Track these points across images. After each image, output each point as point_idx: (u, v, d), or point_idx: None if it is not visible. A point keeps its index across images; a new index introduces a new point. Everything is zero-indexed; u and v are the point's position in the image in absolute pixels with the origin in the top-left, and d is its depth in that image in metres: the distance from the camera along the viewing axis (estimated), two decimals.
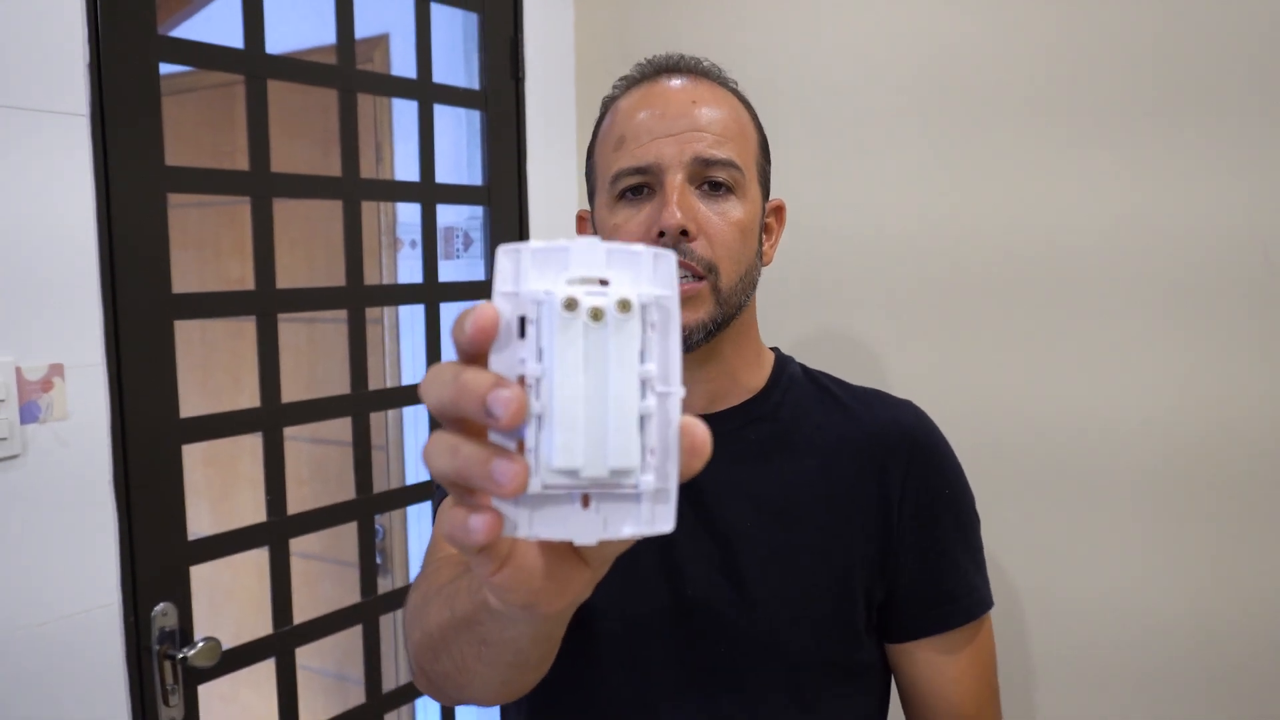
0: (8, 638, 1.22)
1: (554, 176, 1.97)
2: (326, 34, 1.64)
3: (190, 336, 1.39)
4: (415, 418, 2.08)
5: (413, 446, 2.09)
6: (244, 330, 2.23)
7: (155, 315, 1.35)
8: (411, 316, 2.09)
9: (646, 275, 0.42)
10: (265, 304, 1.51)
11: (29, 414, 1.23)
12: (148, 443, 1.35)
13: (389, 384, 2.13)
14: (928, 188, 1.59)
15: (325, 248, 2.13)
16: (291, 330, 1.52)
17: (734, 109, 0.96)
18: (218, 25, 2.23)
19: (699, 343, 0.91)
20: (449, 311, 1.85)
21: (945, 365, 1.58)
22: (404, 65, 2.05)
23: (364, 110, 1.64)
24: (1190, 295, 1.40)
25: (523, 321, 0.41)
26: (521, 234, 1.92)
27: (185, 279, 1.39)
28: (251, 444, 2.29)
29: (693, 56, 1.00)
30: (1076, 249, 1.47)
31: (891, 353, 1.63)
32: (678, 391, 0.41)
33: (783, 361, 1.04)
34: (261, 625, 1.55)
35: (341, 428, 1.68)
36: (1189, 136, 1.38)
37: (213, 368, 2.32)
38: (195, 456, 1.45)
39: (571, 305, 0.40)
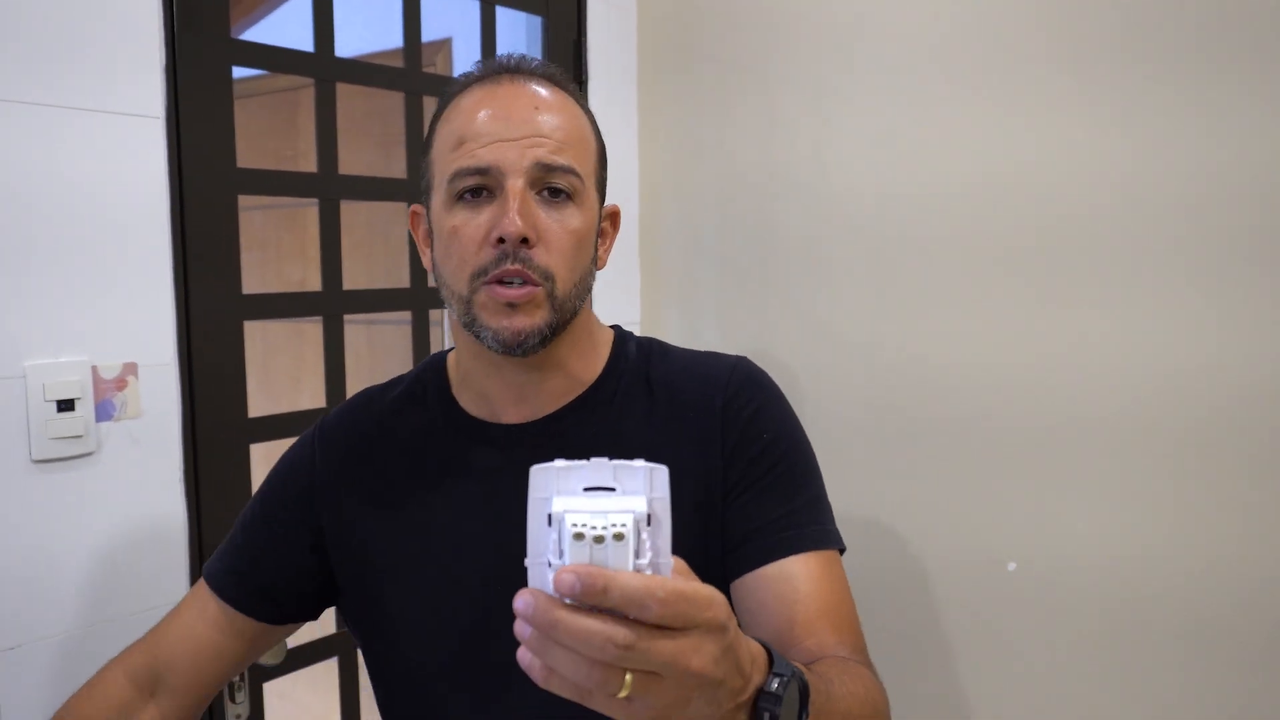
0: (83, 634, 1.24)
1: (615, 179, 1.96)
2: (390, 38, 1.66)
3: (252, 339, 1.40)
4: None
5: None
6: (304, 332, 2.25)
7: (226, 315, 1.36)
8: None
9: (644, 483, 0.56)
10: (332, 305, 1.52)
11: (104, 412, 1.25)
12: (218, 441, 1.36)
13: None
14: (930, 148, 1.56)
15: (385, 251, 2.14)
16: (351, 332, 1.53)
17: (575, 116, 0.96)
18: (280, 30, 2.26)
19: (534, 348, 0.91)
20: None
21: (955, 329, 1.55)
22: (465, 68, 2.06)
23: (427, 114, 1.65)
24: (1207, 253, 1.37)
25: (550, 517, 0.55)
26: None
27: (247, 279, 1.40)
28: None
29: (538, 59, 1.00)
30: (1093, 208, 1.45)
31: (908, 315, 1.61)
32: (668, 562, 0.56)
33: (620, 345, 1.04)
34: (326, 624, 1.56)
35: None
36: (1183, 89, 1.35)
37: (273, 370, 2.35)
38: (257, 457, 1.46)
39: (580, 537, 0.53)
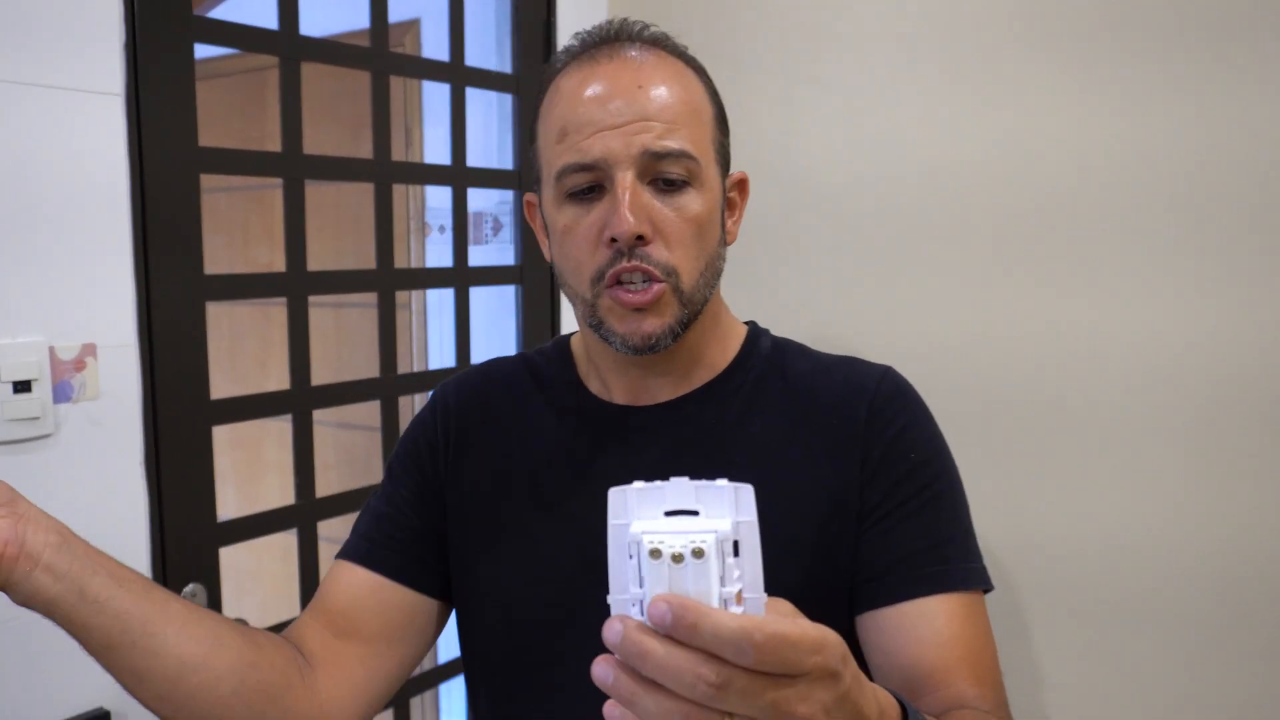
0: (40, 618, 1.22)
1: None
2: (358, 18, 1.64)
3: (217, 321, 1.38)
4: None
5: None
6: (271, 316, 2.23)
7: (188, 296, 1.35)
8: (439, 303, 2.08)
9: (729, 504, 0.52)
10: (296, 286, 1.50)
11: (62, 393, 1.23)
12: (179, 424, 1.34)
13: (416, 370, 2.13)
14: (933, 126, 1.56)
15: (353, 232, 2.12)
16: (318, 316, 1.51)
17: (685, 85, 0.88)
18: (249, 10, 2.23)
19: (665, 347, 0.87)
20: (479, 296, 1.84)
21: (959, 306, 1.56)
22: (434, 49, 2.04)
23: (393, 94, 1.64)
24: (1208, 232, 1.38)
25: (629, 545, 0.51)
26: None
27: (214, 263, 1.38)
28: (278, 429, 2.30)
29: (639, 22, 0.92)
30: (1089, 190, 1.45)
31: (902, 295, 1.61)
32: (761, 598, 0.51)
33: (754, 338, 0.99)
34: (288, 608, 1.55)
35: (368, 413, 1.68)
36: (1190, 62, 1.36)
37: (239, 353, 2.32)
38: (221, 441, 1.45)
39: (656, 554, 0.49)
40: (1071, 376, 1.48)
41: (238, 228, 2.36)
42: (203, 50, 1.35)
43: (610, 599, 0.52)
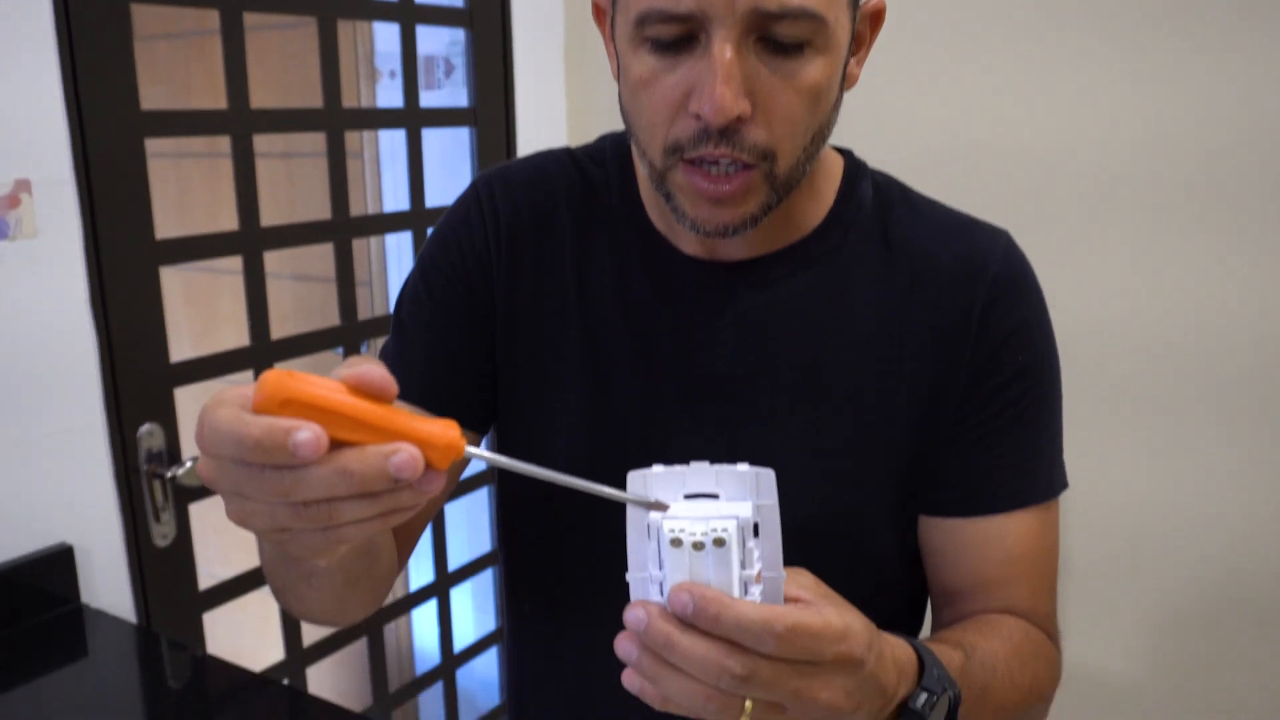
0: None
1: (544, 122, 1.90)
2: None
3: (162, 171, 1.34)
4: (398, 249, 2.05)
5: (395, 279, 2.06)
6: (219, 167, 2.17)
7: (125, 133, 1.30)
8: (392, 150, 2.03)
9: (749, 488, 0.51)
10: (240, 124, 1.46)
11: None
12: (123, 264, 1.32)
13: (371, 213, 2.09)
14: (956, 102, 1.52)
15: (301, 80, 2.05)
16: (267, 167, 1.47)
17: None
18: None
19: (746, 233, 0.73)
20: (432, 138, 1.80)
21: None
22: None
23: (344, 38, 1.58)
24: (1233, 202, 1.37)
25: (649, 527, 0.51)
26: (505, 57, 1.85)
27: (152, 101, 1.33)
28: (232, 284, 2.26)
29: None
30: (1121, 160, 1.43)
31: None
32: (780, 576, 0.51)
33: (851, 180, 0.81)
34: None
35: (324, 263, 1.65)
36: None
37: (187, 204, 2.27)
38: (174, 293, 1.42)
39: (677, 543, 0.49)
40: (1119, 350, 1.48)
41: (179, 76, 2.28)
42: None
43: (629, 576, 0.52)
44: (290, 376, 0.45)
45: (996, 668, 0.69)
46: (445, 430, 0.47)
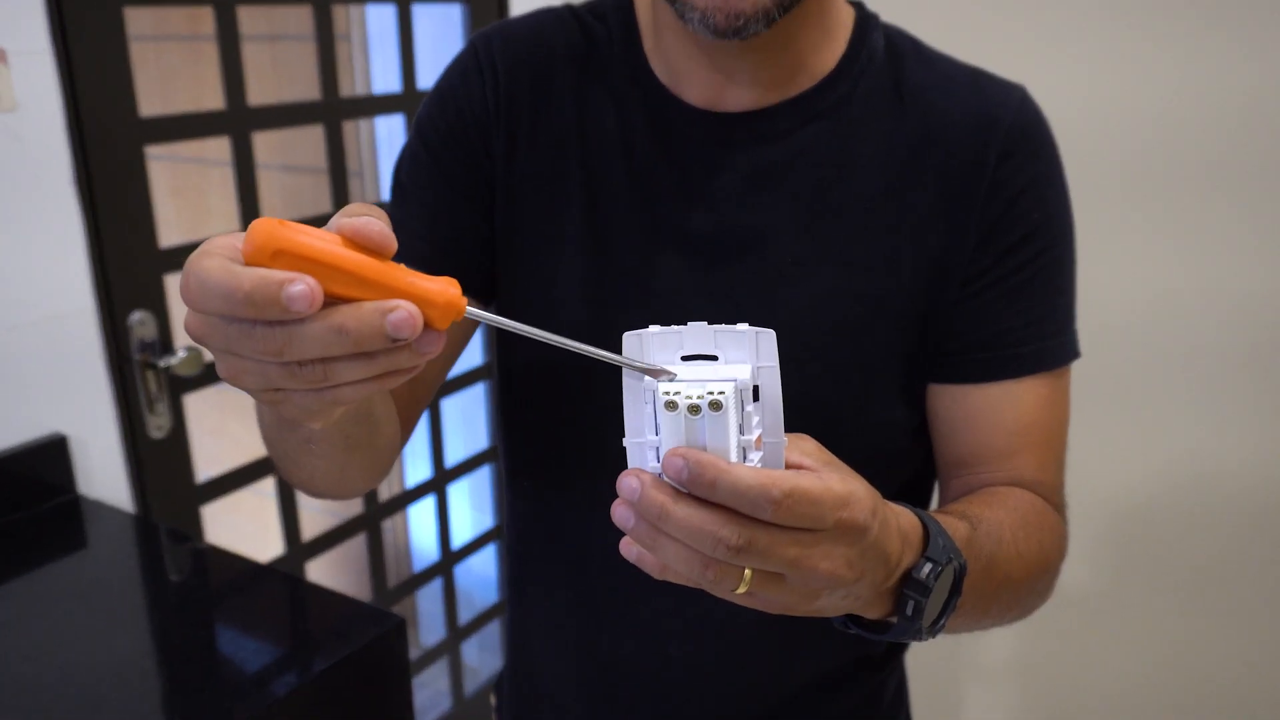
0: None
1: None
2: None
3: (143, 55, 1.27)
4: (389, 138, 1.98)
5: (387, 168, 2.00)
6: (202, 51, 2.09)
7: (103, 3, 1.23)
8: (381, 31, 1.95)
9: (749, 349, 0.48)
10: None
11: None
12: (107, 140, 1.26)
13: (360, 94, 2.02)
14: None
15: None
16: (253, 51, 1.40)
17: None
18: None
19: (757, 31, 0.68)
20: (423, 18, 1.73)
21: None
22: None
23: (338, 24, 1.50)
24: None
25: (644, 390, 0.48)
26: None
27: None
28: (220, 176, 2.20)
29: None
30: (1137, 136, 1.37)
31: None
32: (781, 441, 0.48)
33: (863, 30, 0.78)
34: None
35: (313, 153, 1.59)
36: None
37: (173, 93, 2.18)
38: (161, 186, 1.37)
39: (672, 406, 0.46)
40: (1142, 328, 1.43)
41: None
42: None
43: (626, 442, 0.50)
44: (282, 225, 0.41)
45: (1003, 538, 0.67)
46: (445, 288, 0.44)
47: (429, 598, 2.23)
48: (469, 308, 0.45)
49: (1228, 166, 1.33)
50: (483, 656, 2.31)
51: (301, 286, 0.40)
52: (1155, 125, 1.35)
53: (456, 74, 0.81)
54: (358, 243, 0.42)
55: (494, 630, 2.23)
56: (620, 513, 0.48)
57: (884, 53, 0.78)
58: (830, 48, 0.76)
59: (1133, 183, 1.39)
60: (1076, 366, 0.79)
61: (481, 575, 2.23)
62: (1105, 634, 1.56)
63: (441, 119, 0.80)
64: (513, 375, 0.85)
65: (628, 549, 0.50)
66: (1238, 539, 1.44)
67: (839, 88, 0.76)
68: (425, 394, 0.82)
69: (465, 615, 2.12)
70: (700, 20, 0.67)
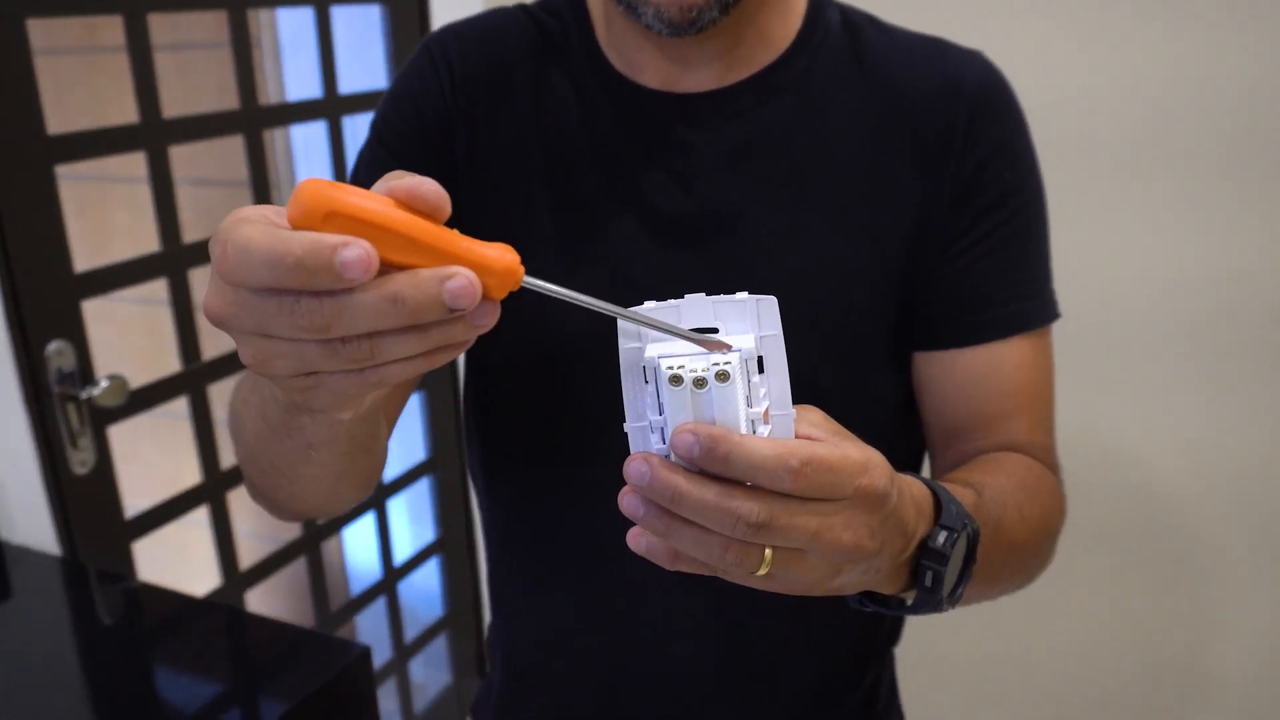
0: None
1: None
2: None
3: (51, 67, 1.19)
4: (306, 148, 1.91)
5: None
6: (101, 64, 1.99)
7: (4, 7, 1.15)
8: (294, 35, 1.87)
9: (751, 318, 0.47)
10: (133, 1, 1.30)
11: None
12: (15, 160, 1.18)
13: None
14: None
15: None
16: (159, 61, 1.32)
17: None
18: None
19: (712, 21, 0.69)
20: (340, 20, 1.66)
21: None
22: None
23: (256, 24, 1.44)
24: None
25: (644, 369, 0.46)
26: None
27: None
28: (126, 193, 2.09)
29: None
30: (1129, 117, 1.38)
31: None
32: (790, 414, 0.47)
33: (817, 6, 0.79)
34: (170, 365, 1.44)
35: (226, 165, 1.52)
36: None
37: (69, 105, 2.07)
38: (64, 206, 1.29)
39: (677, 381, 0.44)
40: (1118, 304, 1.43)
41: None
42: None
43: (627, 427, 0.47)
44: (332, 186, 0.37)
45: (1007, 503, 0.67)
46: (503, 254, 0.40)
47: (370, 617, 2.16)
48: (526, 277, 0.42)
49: (1235, 146, 1.34)
50: (429, 672, 2.26)
51: (357, 250, 0.36)
52: (1159, 105, 1.35)
53: (413, 75, 0.80)
54: (412, 204, 0.39)
55: (440, 645, 2.18)
56: (628, 501, 0.46)
57: (840, 25, 0.78)
58: (784, 24, 0.77)
59: (1135, 164, 1.39)
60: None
61: (424, 590, 2.17)
62: (1097, 625, 1.56)
63: (400, 120, 0.79)
64: (489, 375, 0.82)
65: (636, 540, 0.48)
66: (1241, 527, 1.45)
67: (798, 62, 0.76)
68: (407, 397, 0.79)
69: (411, 632, 2.07)
70: (655, 15, 0.68)
